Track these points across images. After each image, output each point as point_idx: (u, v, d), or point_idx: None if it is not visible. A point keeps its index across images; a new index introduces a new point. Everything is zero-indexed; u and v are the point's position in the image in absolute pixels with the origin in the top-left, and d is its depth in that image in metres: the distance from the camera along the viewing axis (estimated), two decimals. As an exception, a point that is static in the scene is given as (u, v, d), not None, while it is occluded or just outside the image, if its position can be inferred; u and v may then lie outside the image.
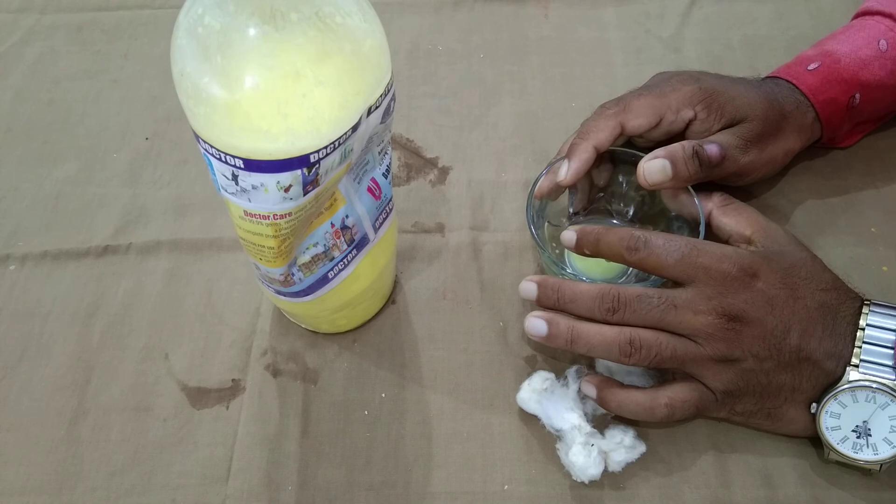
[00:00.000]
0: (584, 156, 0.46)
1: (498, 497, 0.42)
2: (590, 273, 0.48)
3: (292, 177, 0.33)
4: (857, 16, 0.54)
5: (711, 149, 0.45)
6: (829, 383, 0.40)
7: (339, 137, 0.34)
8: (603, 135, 0.47)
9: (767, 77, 0.52)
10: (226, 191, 0.35)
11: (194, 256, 0.53)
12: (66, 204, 0.56)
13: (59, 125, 0.61)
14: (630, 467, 0.42)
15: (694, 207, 0.45)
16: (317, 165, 0.34)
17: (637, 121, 0.47)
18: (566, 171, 0.46)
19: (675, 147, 0.45)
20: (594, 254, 0.43)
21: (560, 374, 0.44)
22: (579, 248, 0.43)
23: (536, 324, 0.42)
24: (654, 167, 0.44)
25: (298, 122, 0.32)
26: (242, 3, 0.31)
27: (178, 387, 0.47)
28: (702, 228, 0.45)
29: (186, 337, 0.49)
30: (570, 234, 0.44)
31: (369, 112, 0.35)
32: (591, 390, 0.42)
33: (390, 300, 0.50)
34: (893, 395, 0.38)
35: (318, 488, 0.43)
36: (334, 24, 0.32)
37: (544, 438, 0.43)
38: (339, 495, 0.42)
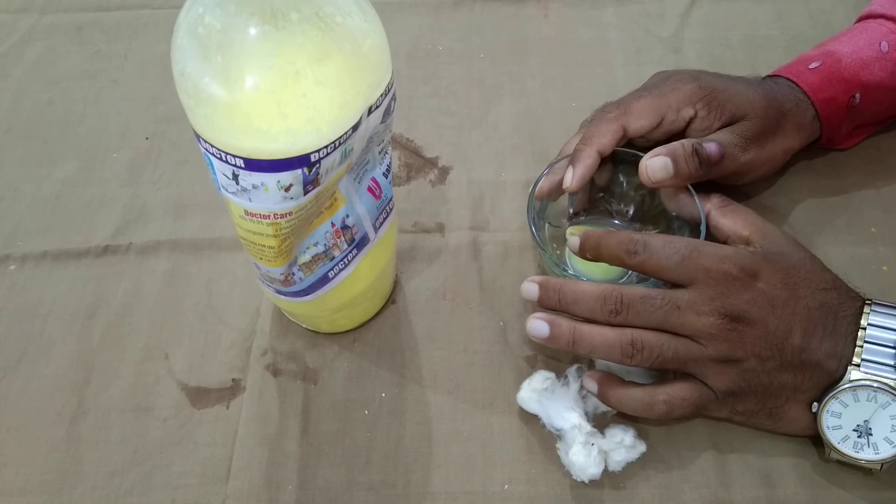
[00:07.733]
0: (587, 161, 0.46)
1: (498, 497, 0.42)
2: (590, 274, 0.47)
3: (293, 176, 0.33)
4: (860, 19, 0.54)
5: (711, 147, 0.45)
6: (830, 383, 0.40)
7: (340, 137, 0.34)
8: (605, 139, 0.47)
9: (767, 76, 0.52)
10: (226, 190, 0.35)
11: (194, 256, 0.53)
12: (66, 204, 0.56)
13: (59, 125, 0.61)
14: (630, 467, 0.42)
15: (694, 207, 0.45)
16: (317, 165, 0.34)
17: (639, 123, 0.47)
18: (571, 178, 0.46)
19: (676, 145, 0.45)
20: (595, 258, 0.43)
21: (560, 374, 0.44)
22: (581, 253, 0.44)
23: (538, 325, 0.42)
24: (656, 164, 0.45)
25: (298, 122, 0.32)
26: (243, 3, 0.31)
27: (178, 387, 0.47)
28: (702, 228, 0.45)
29: (186, 337, 0.49)
30: (574, 239, 0.44)
31: (369, 112, 0.35)
32: (592, 385, 0.43)
33: (390, 300, 0.50)
34: (894, 395, 0.38)
35: (318, 488, 0.43)
36: (334, 23, 0.32)
37: (544, 438, 0.43)
38: (339, 495, 0.42)
